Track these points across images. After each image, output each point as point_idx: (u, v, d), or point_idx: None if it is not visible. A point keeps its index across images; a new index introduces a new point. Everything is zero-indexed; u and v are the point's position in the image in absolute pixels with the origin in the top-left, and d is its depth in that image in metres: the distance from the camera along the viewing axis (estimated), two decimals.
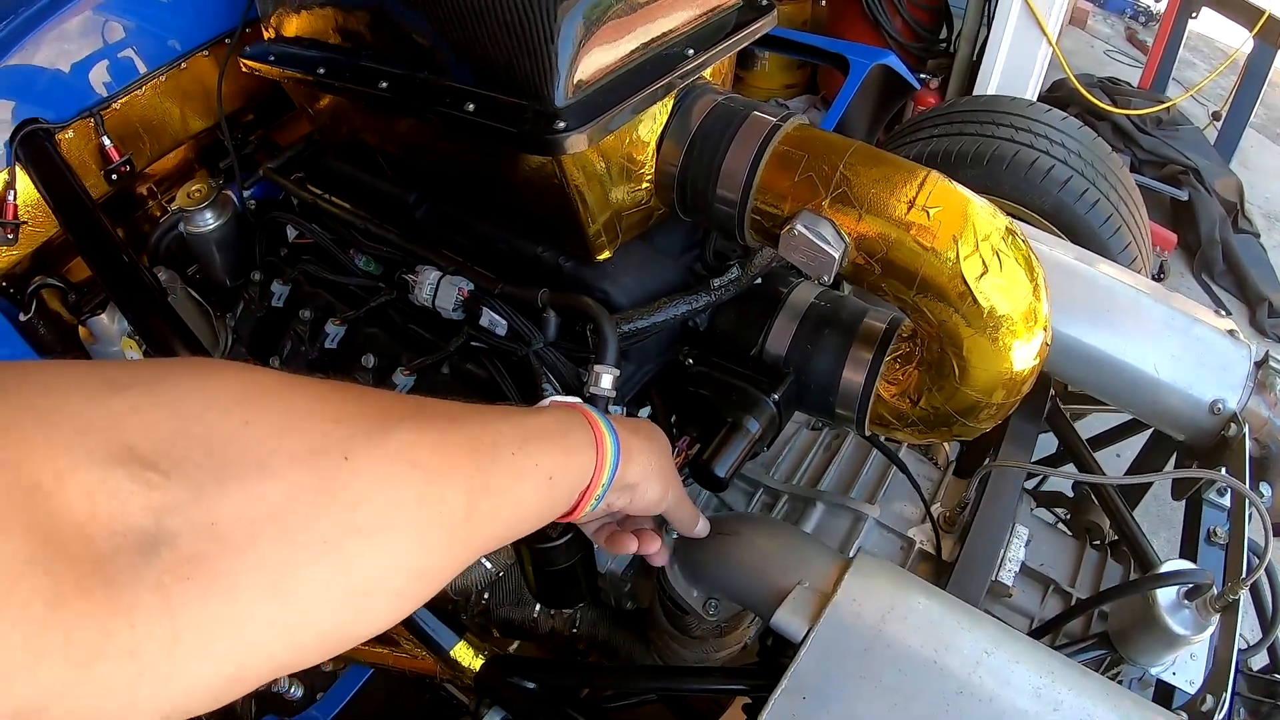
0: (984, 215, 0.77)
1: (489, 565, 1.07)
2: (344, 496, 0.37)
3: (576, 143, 0.73)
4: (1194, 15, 3.66)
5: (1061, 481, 1.35)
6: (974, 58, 3.13)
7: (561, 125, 0.73)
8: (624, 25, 0.79)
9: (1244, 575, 0.85)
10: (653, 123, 0.84)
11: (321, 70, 0.95)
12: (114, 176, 1.28)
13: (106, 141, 1.23)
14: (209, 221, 1.30)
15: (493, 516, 0.46)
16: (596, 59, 0.77)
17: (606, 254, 0.91)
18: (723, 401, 0.91)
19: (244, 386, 0.38)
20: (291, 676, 1.19)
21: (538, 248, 0.95)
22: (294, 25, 1.03)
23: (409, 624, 1.00)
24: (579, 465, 0.56)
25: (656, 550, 0.76)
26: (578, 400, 0.63)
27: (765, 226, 0.82)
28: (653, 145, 0.85)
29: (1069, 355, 1.09)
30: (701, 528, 0.80)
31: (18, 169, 1.16)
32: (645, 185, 0.88)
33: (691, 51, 0.84)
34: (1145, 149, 3.20)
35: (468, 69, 0.81)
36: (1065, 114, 1.84)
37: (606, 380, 0.82)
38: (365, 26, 0.91)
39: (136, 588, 0.29)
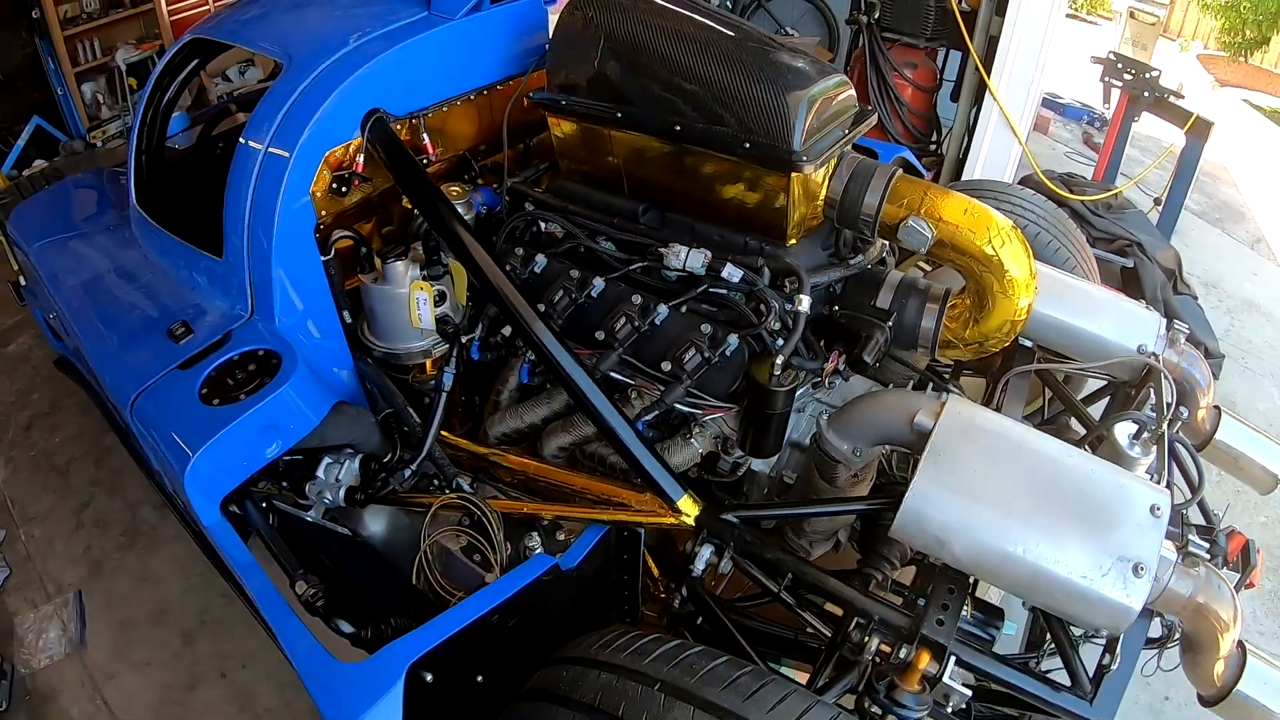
0: (1000, 219, 1.79)
1: (698, 445, 1.94)
2: None
3: (810, 168, 1.73)
4: (1136, 118, 5.11)
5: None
6: (960, 157, 4.44)
7: (805, 157, 1.71)
8: (820, 111, 1.79)
9: (1167, 415, 1.81)
10: (825, 170, 1.83)
11: (620, 115, 1.90)
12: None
13: (426, 138, 2.14)
14: None
15: None
16: (811, 127, 1.76)
17: (794, 242, 1.88)
18: (858, 327, 1.87)
19: None
20: (538, 538, 1.93)
21: (744, 238, 1.91)
22: (584, 82, 1.96)
23: (648, 480, 1.81)
24: None
25: None
26: None
27: (887, 226, 1.82)
28: (826, 182, 1.85)
29: (1046, 326, 2.11)
30: None
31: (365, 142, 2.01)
32: (819, 204, 1.87)
33: (846, 131, 1.86)
34: (1098, 229, 4.49)
35: (740, 122, 1.77)
36: (1033, 190, 2.99)
37: (806, 303, 1.77)
38: (653, 91, 1.86)
39: None
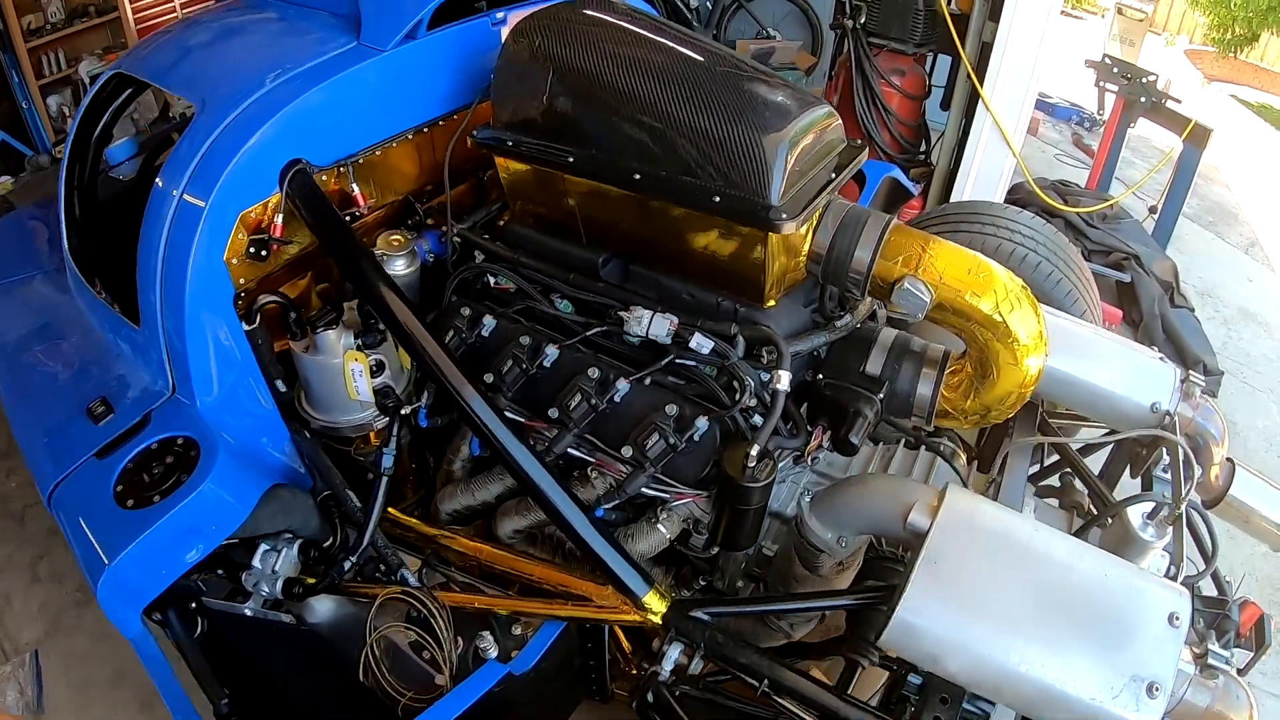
0: (1009, 278, 1.51)
1: (665, 531, 1.67)
2: None
3: (791, 226, 1.43)
4: (1132, 124, 4.81)
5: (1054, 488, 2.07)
6: (951, 167, 4.13)
7: (784, 215, 1.42)
8: (803, 154, 1.49)
9: (1183, 495, 1.54)
10: (810, 221, 1.54)
11: (570, 159, 1.60)
12: (347, 218, 1.86)
13: (355, 188, 1.83)
14: (401, 268, 1.91)
15: None
16: (792, 174, 1.47)
17: (772, 303, 1.59)
18: (845, 400, 1.59)
19: None
20: (491, 637, 1.70)
21: (718, 297, 1.62)
22: (532, 119, 1.66)
23: (609, 575, 1.56)
24: None
25: None
26: None
27: (880, 286, 1.53)
28: (809, 235, 1.56)
29: (1051, 380, 1.82)
30: None
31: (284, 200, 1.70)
32: (800, 259, 1.57)
33: (833, 175, 1.56)
34: (1094, 240, 4.21)
35: (709, 171, 1.47)
36: (1031, 213, 2.70)
37: (785, 380, 1.49)
38: (609, 131, 1.56)
39: None
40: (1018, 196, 4.38)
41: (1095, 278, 3.38)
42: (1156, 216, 4.69)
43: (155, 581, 1.66)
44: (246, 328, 1.82)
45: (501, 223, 1.96)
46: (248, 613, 1.85)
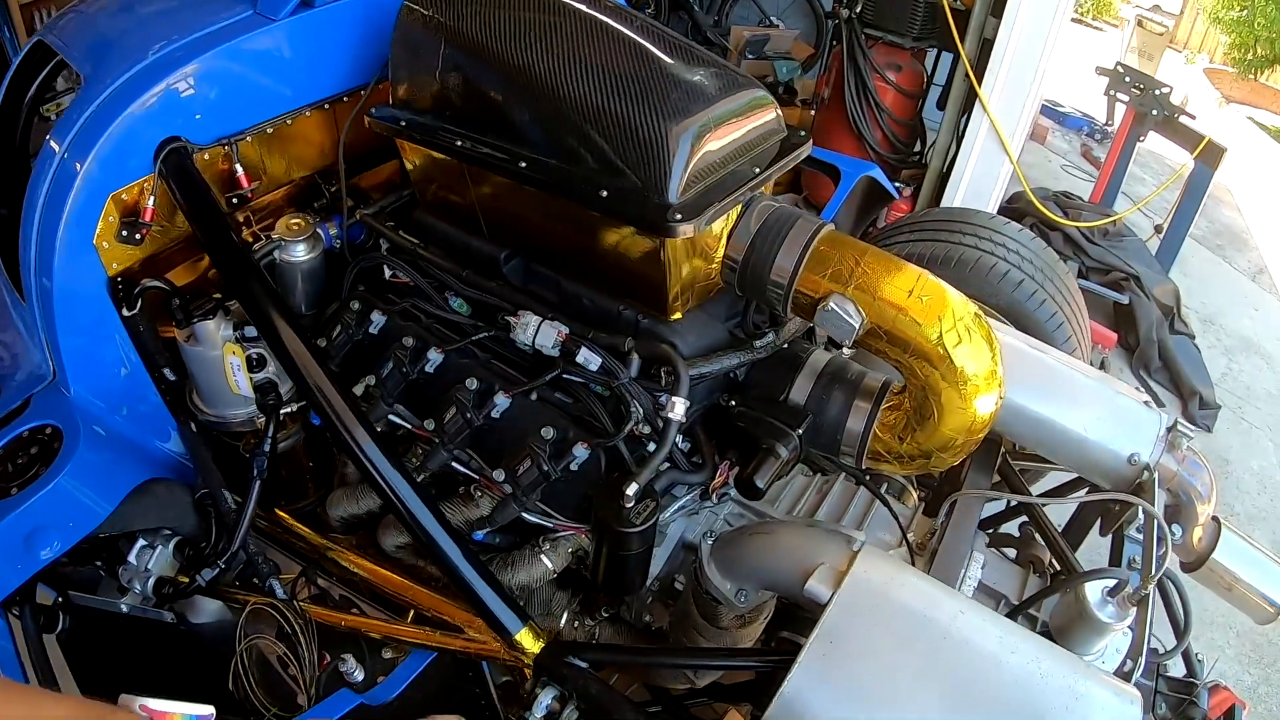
0: (959, 302, 1.20)
1: (549, 564, 1.40)
2: None
3: (686, 230, 1.13)
4: (1142, 138, 4.42)
5: (1011, 529, 1.78)
6: (944, 170, 3.77)
7: (678, 216, 1.13)
8: (715, 146, 1.21)
9: (1152, 573, 1.25)
10: (724, 221, 1.25)
11: (459, 144, 1.33)
12: (234, 201, 1.61)
13: (239, 169, 1.57)
14: (301, 253, 1.65)
15: None
16: (698, 169, 1.18)
17: (678, 316, 1.31)
18: (758, 434, 1.30)
19: None
20: (355, 659, 1.46)
21: (619, 306, 1.34)
22: (429, 98, 1.40)
23: (479, 608, 1.31)
24: None
25: None
26: (183, 713, 0.57)
27: (803, 304, 1.24)
28: (723, 237, 1.27)
29: (1017, 418, 1.52)
30: None
31: (158, 180, 1.47)
32: (714, 266, 1.29)
33: (757, 170, 1.27)
34: (1092, 257, 3.85)
35: (598, 161, 1.20)
36: (1021, 225, 2.37)
37: (680, 408, 1.21)
38: (504, 114, 1.29)
39: None
40: (1015, 206, 4.02)
41: (1091, 298, 3.04)
42: (1162, 236, 4.31)
43: (7, 577, 1.46)
44: (126, 313, 1.58)
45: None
46: (123, 608, 1.66)
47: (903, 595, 1.07)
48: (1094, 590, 1.24)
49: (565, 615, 1.62)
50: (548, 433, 1.27)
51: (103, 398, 1.62)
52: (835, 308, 1.19)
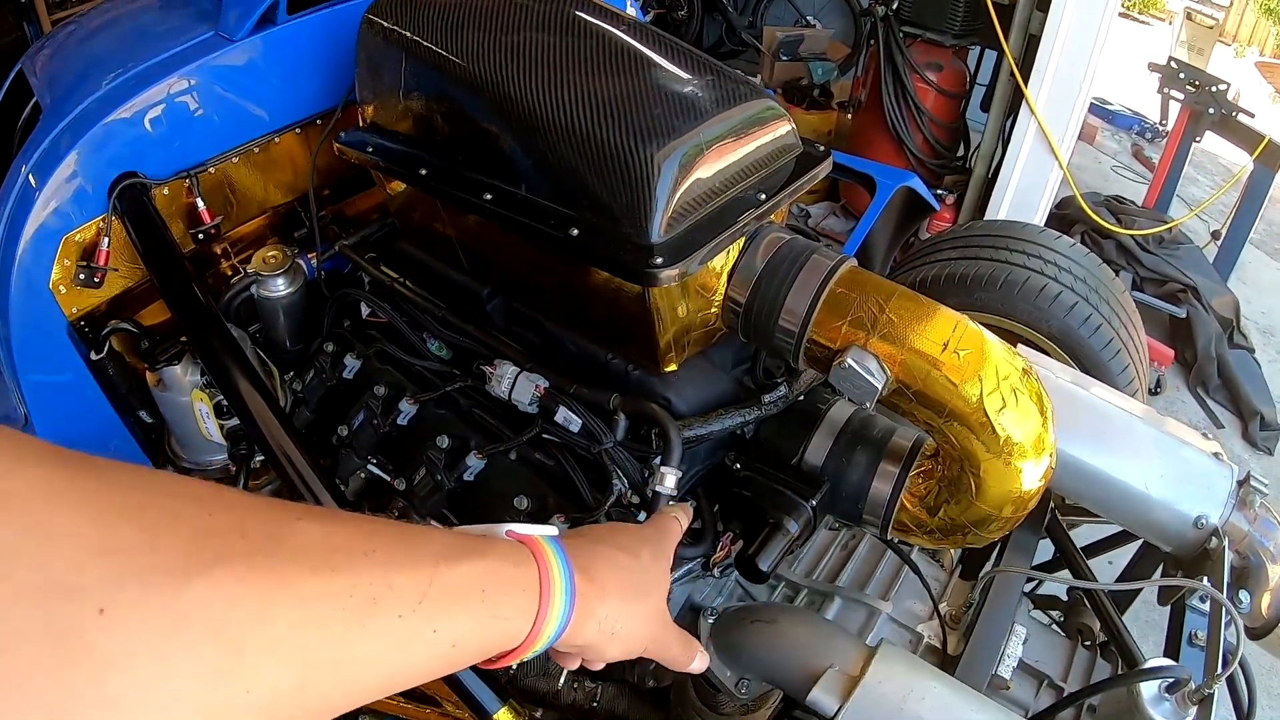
0: (1004, 358, 0.98)
1: None
2: (86, 662, 0.29)
3: (670, 277, 0.93)
4: (1198, 138, 4.06)
5: (1057, 586, 1.55)
6: (989, 176, 3.48)
7: (659, 260, 0.93)
8: (709, 171, 1.01)
9: (1219, 672, 1.03)
10: (725, 255, 1.05)
11: (423, 172, 1.15)
12: (200, 236, 1.47)
13: (200, 204, 1.43)
14: (280, 288, 1.49)
15: (346, 690, 0.38)
16: (687, 200, 0.98)
17: (673, 367, 1.11)
18: (765, 503, 1.10)
19: None
20: None
21: (608, 354, 1.15)
22: (395, 120, 1.23)
23: (455, 686, 1.15)
24: (500, 631, 0.48)
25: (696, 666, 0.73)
26: (541, 533, 0.55)
27: (818, 355, 1.03)
28: (724, 275, 1.07)
29: (1068, 472, 1.29)
30: (698, 664, 0.73)
31: (113, 219, 1.34)
32: (714, 309, 1.09)
33: (763, 196, 1.07)
34: (1147, 267, 3.53)
35: (569, 192, 1.01)
36: (1072, 240, 2.11)
37: (670, 480, 1.01)
38: (469, 137, 1.11)
39: None
40: (1065, 213, 3.72)
41: (1145, 310, 2.75)
42: (1219, 242, 3.96)
43: None
44: (94, 357, 1.45)
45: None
46: None
47: (922, 712, 0.87)
48: (1150, 686, 1.02)
49: (564, 676, 1.44)
50: (521, 503, 1.09)
51: (72, 442, 1.49)
52: (854, 364, 0.98)
